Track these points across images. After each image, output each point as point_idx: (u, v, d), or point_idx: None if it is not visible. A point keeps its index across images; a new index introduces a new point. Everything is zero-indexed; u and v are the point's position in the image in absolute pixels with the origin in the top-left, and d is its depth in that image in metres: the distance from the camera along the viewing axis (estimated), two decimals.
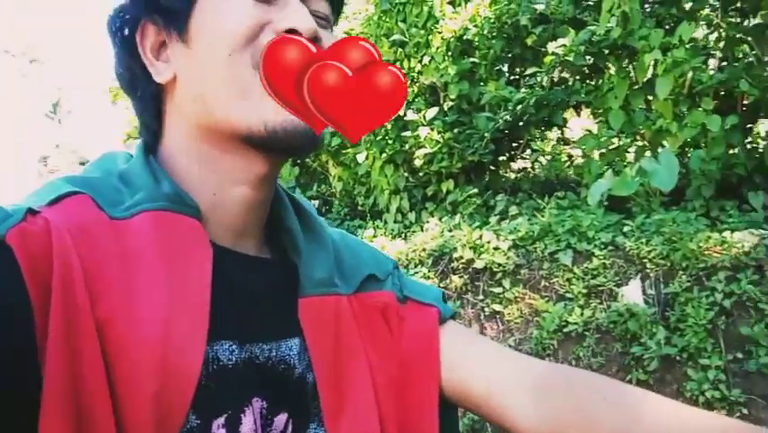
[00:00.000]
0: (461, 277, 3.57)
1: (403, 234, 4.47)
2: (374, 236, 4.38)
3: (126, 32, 0.62)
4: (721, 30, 3.54)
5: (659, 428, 0.60)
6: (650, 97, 3.70)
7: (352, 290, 0.71)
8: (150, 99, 0.63)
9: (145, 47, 0.61)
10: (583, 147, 4.03)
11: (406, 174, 4.69)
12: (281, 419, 0.62)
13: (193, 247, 0.56)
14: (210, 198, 0.61)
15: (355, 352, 0.68)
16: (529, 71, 4.08)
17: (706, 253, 2.87)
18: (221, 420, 0.55)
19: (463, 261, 3.57)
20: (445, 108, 4.56)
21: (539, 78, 3.99)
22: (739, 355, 2.66)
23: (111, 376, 0.47)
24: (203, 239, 0.57)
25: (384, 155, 4.60)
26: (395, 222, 4.68)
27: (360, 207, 5.24)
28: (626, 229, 3.24)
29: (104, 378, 0.46)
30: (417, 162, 4.40)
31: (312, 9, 0.61)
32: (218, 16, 0.58)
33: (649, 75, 3.53)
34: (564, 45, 3.78)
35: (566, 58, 3.78)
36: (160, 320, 0.50)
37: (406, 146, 4.42)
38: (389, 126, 4.47)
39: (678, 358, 2.76)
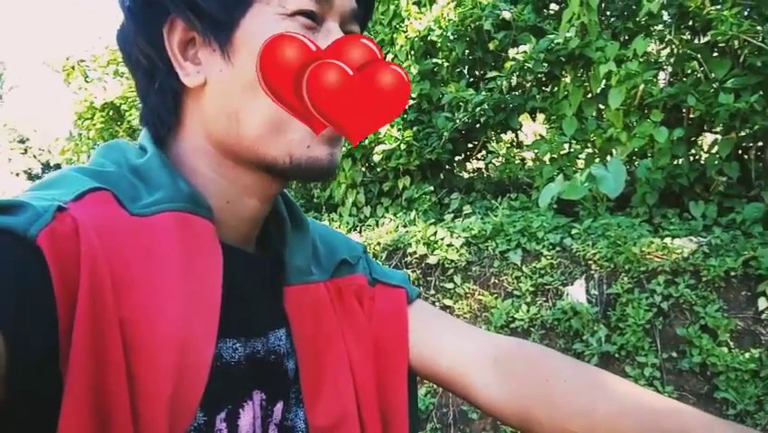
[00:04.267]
0: (414, 272, 3.63)
1: (358, 228, 4.50)
2: None
3: (147, 17, 0.59)
4: (673, 46, 3.68)
5: (621, 408, 0.62)
6: (602, 107, 3.82)
7: (327, 276, 0.73)
8: (170, 94, 0.61)
9: (173, 42, 0.59)
10: (536, 151, 4.13)
11: (363, 169, 4.72)
12: (279, 407, 0.65)
13: (207, 248, 0.56)
14: (222, 205, 0.62)
15: (333, 336, 0.70)
16: (489, 75, 4.15)
17: (647, 257, 2.99)
18: (222, 415, 0.57)
19: (417, 256, 3.63)
20: (406, 107, 4.58)
21: (498, 83, 4.06)
22: (674, 354, 2.78)
23: (130, 375, 0.47)
24: (215, 240, 0.58)
25: (343, 150, 4.59)
26: (350, 215, 4.70)
27: (315, 200, 5.25)
28: (573, 232, 3.33)
29: (124, 377, 0.47)
30: (376, 158, 4.43)
31: (345, 30, 0.62)
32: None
33: (602, 85, 3.64)
34: (525, 52, 3.86)
35: (526, 64, 3.88)
36: (178, 320, 0.51)
37: (366, 141, 4.43)
38: None
39: (617, 355, 2.88)
